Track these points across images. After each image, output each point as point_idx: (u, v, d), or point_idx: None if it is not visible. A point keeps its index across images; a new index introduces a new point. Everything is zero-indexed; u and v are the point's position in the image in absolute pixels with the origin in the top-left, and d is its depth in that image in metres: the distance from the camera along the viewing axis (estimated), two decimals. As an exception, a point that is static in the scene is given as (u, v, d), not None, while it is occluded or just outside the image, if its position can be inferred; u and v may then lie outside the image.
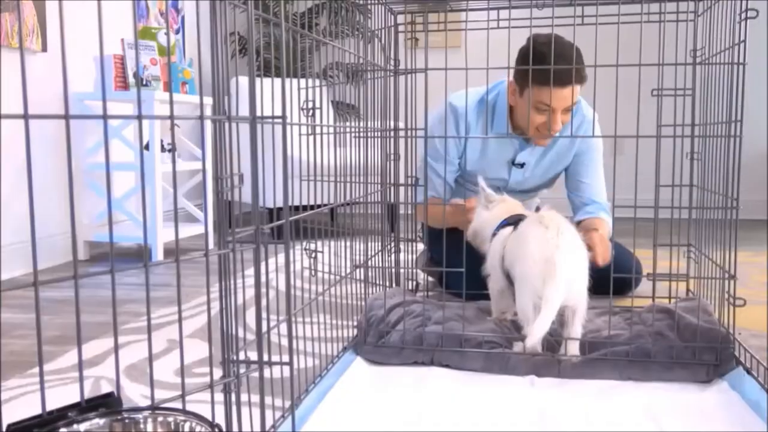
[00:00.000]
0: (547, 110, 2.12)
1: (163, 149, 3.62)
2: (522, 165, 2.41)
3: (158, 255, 3.32)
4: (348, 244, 2.02)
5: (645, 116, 1.68)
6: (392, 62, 2.19)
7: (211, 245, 3.55)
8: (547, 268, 1.63)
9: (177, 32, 4.27)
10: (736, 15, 1.60)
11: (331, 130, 1.91)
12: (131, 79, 3.37)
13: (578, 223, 2.44)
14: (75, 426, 0.89)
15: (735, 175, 1.64)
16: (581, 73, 2.07)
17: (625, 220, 2.04)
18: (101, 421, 0.91)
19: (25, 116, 0.81)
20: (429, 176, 2.28)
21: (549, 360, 1.68)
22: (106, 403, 0.93)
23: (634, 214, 1.71)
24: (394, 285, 2.31)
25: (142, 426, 0.94)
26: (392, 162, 2.22)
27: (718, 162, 1.74)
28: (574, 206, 2.47)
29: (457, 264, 1.86)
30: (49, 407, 0.90)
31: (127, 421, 0.93)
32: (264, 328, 1.17)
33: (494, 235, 1.97)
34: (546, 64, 1.87)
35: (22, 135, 2.98)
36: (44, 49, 3.12)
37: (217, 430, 0.92)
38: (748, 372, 1.60)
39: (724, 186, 1.70)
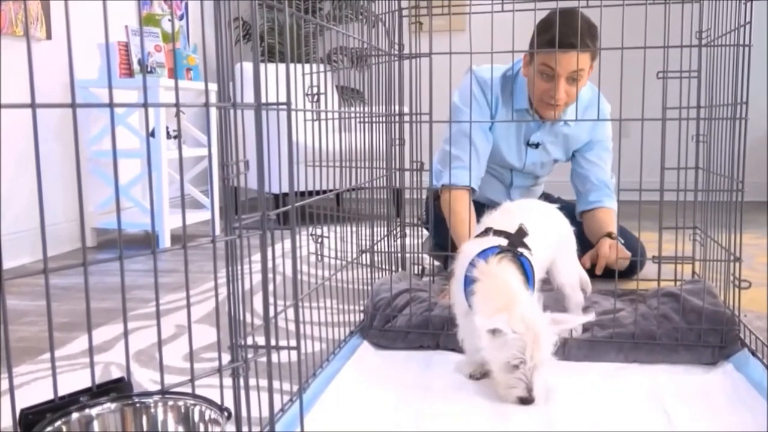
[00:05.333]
0: (551, 76, 2.10)
1: (168, 136, 3.62)
2: (537, 145, 2.40)
3: (165, 241, 3.33)
4: (354, 229, 2.03)
5: (650, 99, 1.68)
6: (396, 47, 2.19)
7: (217, 231, 3.57)
8: None
9: (181, 18, 4.26)
10: (742, -4, 1.60)
11: (336, 115, 1.91)
12: (136, 66, 3.37)
13: (581, 214, 2.43)
14: (87, 410, 0.90)
15: (740, 157, 1.64)
16: (586, 41, 2.03)
17: (630, 203, 2.04)
18: (112, 406, 0.92)
19: (33, 105, 0.81)
20: (461, 156, 2.23)
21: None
22: (117, 388, 0.95)
23: (639, 197, 1.71)
24: (400, 270, 2.32)
25: (152, 410, 0.95)
26: (397, 147, 2.22)
27: (723, 144, 1.74)
28: (577, 191, 2.47)
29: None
30: (60, 393, 0.91)
31: (137, 405, 0.95)
32: (271, 313, 1.18)
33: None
34: (554, 29, 1.86)
35: (26, 123, 2.99)
36: (49, 36, 3.12)
37: (226, 413, 0.93)
38: (753, 354, 1.61)
39: (729, 168, 1.70)
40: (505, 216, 1.73)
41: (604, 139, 2.41)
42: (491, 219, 1.74)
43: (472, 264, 1.53)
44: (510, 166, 2.46)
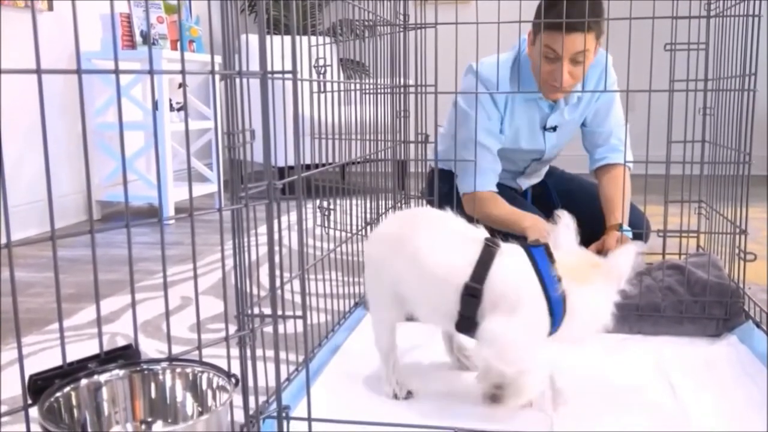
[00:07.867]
0: (555, 58, 2.07)
1: (171, 108, 3.61)
2: (554, 128, 2.35)
3: (170, 214, 3.33)
4: (358, 201, 2.03)
5: (657, 72, 1.66)
6: (401, 17, 2.17)
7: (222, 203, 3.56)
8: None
9: (183, -10, 4.22)
10: (752, -35, 1.58)
11: (342, 87, 1.90)
12: (138, 38, 3.35)
13: (594, 173, 2.41)
14: (95, 377, 0.90)
15: (747, 129, 1.63)
16: (592, 22, 1.99)
17: (636, 177, 2.03)
18: (121, 372, 0.93)
19: (38, 71, 0.81)
20: (478, 162, 2.13)
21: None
22: (125, 355, 0.95)
23: (646, 170, 1.70)
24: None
25: (160, 377, 0.96)
26: (402, 119, 2.20)
27: (730, 117, 1.73)
28: (587, 151, 2.43)
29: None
30: (69, 361, 0.92)
31: (146, 372, 0.95)
32: (277, 283, 1.18)
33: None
34: (557, 9, 1.83)
35: (32, 95, 2.98)
36: (51, 8, 3.10)
37: (233, 380, 0.93)
38: (758, 326, 1.61)
39: (736, 141, 1.69)
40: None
41: (609, 86, 2.29)
42: None
43: None
44: (530, 156, 2.40)
